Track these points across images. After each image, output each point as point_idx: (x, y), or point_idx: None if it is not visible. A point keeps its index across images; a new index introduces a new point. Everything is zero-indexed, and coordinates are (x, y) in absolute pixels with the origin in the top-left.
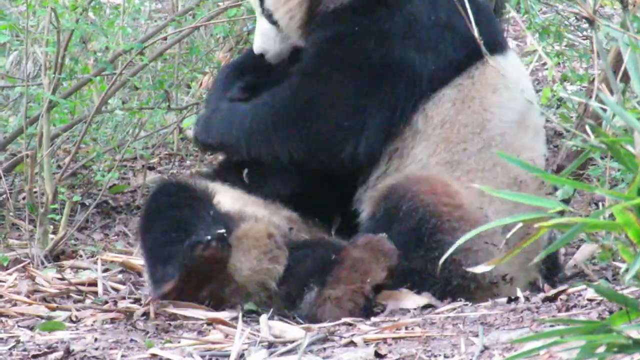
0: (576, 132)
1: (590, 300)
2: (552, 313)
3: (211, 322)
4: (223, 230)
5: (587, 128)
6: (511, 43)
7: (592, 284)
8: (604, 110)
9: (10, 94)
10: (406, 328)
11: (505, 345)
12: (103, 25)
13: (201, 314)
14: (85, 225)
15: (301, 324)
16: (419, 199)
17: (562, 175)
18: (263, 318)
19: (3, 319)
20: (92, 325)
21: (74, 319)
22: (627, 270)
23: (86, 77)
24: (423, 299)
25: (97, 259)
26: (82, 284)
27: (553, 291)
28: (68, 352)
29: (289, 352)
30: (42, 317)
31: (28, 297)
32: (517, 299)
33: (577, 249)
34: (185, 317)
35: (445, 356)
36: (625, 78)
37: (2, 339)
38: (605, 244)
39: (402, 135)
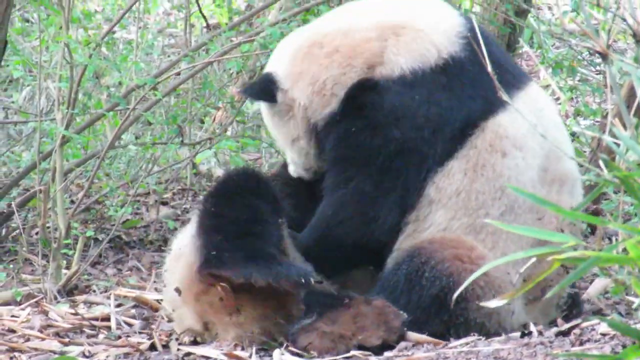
0: (590, 166)
1: (604, 334)
2: (566, 347)
3: (227, 355)
4: (319, 279)
5: (601, 162)
6: None
7: (606, 318)
8: (617, 144)
9: (23, 129)
10: None
11: None
12: (116, 61)
13: (215, 352)
14: (99, 260)
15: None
16: (442, 267)
17: (576, 209)
18: (276, 352)
19: (16, 354)
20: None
21: (87, 354)
22: None
23: (99, 112)
24: None
25: (110, 294)
26: (96, 319)
27: (566, 325)
28: None
29: None
30: (55, 352)
31: (41, 332)
32: (530, 333)
33: (591, 283)
34: (203, 356)
35: None
36: (639, 112)
37: None
38: (619, 278)
39: (419, 205)
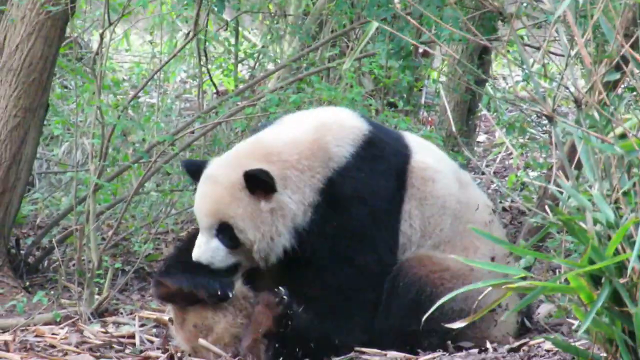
0: (537, 211)
1: (548, 350)
2: None
3: None
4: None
5: (547, 208)
6: (482, 136)
7: (550, 337)
8: (561, 192)
9: (62, 178)
10: None
11: None
12: (140, 121)
13: None
14: (125, 287)
15: None
16: (412, 274)
17: (526, 247)
18: None
19: None
20: None
21: None
22: (579, 326)
23: (126, 164)
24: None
25: (135, 316)
26: (123, 337)
27: (517, 343)
28: None
29: None
30: None
31: (77, 347)
32: (486, 349)
33: (537, 307)
34: None
35: None
36: (579, 166)
37: None
38: (561, 305)
39: (401, 249)
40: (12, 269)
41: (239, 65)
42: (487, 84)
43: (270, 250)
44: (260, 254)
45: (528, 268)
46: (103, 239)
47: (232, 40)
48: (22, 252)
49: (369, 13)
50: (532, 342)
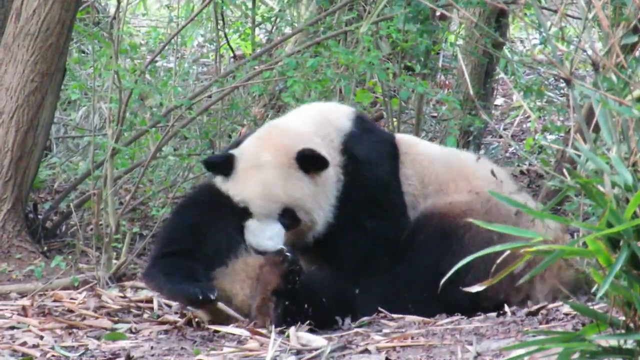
0: (555, 174)
1: (566, 314)
2: (534, 325)
3: (250, 331)
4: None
5: (565, 171)
6: (500, 100)
7: (568, 301)
8: (579, 156)
9: (80, 142)
10: (412, 338)
11: (495, 353)
12: (158, 85)
13: (240, 330)
14: (143, 252)
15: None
16: (437, 221)
17: (544, 210)
18: (292, 330)
19: (74, 330)
20: (149, 335)
21: (133, 330)
22: (597, 289)
23: (143, 129)
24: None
25: None
26: (141, 301)
27: (535, 307)
28: (129, 358)
29: (313, 358)
30: (106, 329)
31: (95, 312)
32: (505, 313)
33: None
34: (230, 333)
35: None
36: (596, 129)
37: (73, 347)
38: (580, 268)
39: (410, 207)
40: (30, 233)
41: (256, 29)
42: (504, 47)
43: (322, 227)
44: (316, 231)
45: None
46: (121, 203)
47: (249, 4)
48: (39, 216)
49: None
50: (550, 306)
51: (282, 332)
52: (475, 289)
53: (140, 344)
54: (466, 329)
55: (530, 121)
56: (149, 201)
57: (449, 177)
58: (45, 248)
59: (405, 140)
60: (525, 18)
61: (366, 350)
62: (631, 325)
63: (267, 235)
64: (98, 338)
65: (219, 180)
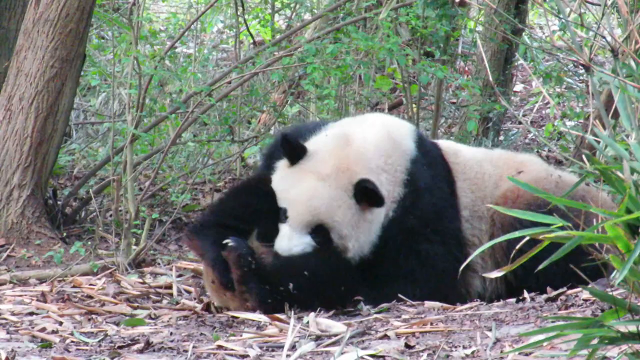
0: (574, 160)
1: (586, 300)
2: (554, 311)
3: (269, 317)
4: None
5: (584, 157)
6: (519, 86)
7: (587, 287)
8: (598, 142)
9: (99, 128)
10: (431, 324)
11: (514, 338)
12: (177, 71)
13: (259, 316)
14: (162, 238)
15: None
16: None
17: (563, 196)
18: (311, 316)
19: (93, 316)
20: (168, 321)
21: (152, 316)
22: (616, 275)
23: (163, 115)
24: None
25: (172, 266)
26: (160, 287)
27: (554, 293)
28: (148, 344)
29: (333, 344)
30: (126, 315)
31: (114, 298)
32: (524, 299)
33: None
34: (249, 319)
35: (463, 347)
36: (616, 115)
37: (92, 332)
38: (599, 254)
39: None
40: (50, 219)
41: (276, 15)
42: (523, 33)
43: (355, 257)
44: (350, 256)
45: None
46: (140, 189)
47: None
48: (59, 202)
49: None
50: (569, 292)
51: (301, 318)
52: (495, 274)
53: (160, 329)
54: (485, 314)
55: (549, 107)
56: (168, 187)
57: (499, 173)
58: (65, 234)
59: (450, 149)
60: (544, 4)
61: (385, 336)
62: None
63: (294, 243)
64: (117, 324)
65: (274, 173)
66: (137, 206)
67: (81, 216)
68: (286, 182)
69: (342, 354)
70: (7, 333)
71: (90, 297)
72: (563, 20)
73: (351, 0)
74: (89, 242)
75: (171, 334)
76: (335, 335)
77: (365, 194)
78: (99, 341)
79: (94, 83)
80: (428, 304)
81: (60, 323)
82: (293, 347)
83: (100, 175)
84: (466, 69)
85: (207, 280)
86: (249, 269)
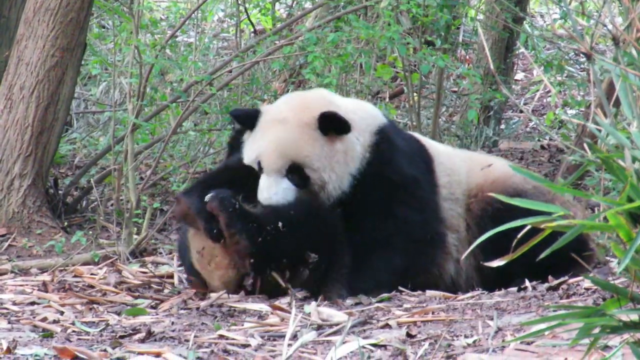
0: (575, 149)
1: (587, 289)
2: (555, 300)
3: (271, 306)
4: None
5: (585, 145)
6: (520, 74)
7: (589, 276)
8: (599, 130)
9: (100, 117)
10: (433, 313)
11: (515, 327)
12: (178, 60)
13: (260, 306)
14: (164, 227)
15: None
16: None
17: (564, 185)
18: (313, 305)
19: (95, 305)
20: (169, 310)
21: (154, 305)
22: (618, 264)
23: (164, 104)
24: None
25: (173, 256)
26: (161, 277)
27: (556, 282)
28: (149, 333)
29: (334, 333)
30: (127, 304)
31: (116, 287)
32: (525, 288)
33: None
34: (250, 309)
35: (465, 336)
36: (617, 104)
37: (94, 322)
38: (600, 242)
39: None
40: (51, 209)
41: (277, 3)
42: (524, 21)
43: (335, 192)
44: (327, 196)
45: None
46: (141, 178)
47: None
48: (60, 192)
49: None
50: (571, 281)
51: (302, 307)
52: (496, 263)
53: (161, 319)
54: (487, 303)
55: (550, 96)
56: (169, 176)
57: (469, 165)
58: (66, 223)
59: (421, 138)
60: None
61: (387, 325)
62: None
63: (273, 190)
64: (119, 313)
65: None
66: (138, 195)
67: (82, 205)
68: (253, 140)
69: (343, 343)
70: (9, 323)
71: (92, 286)
72: (564, 9)
73: None
74: (90, 232)
75: (172, 323)
76: (337, 324)
77: (329, 123)
78: (101, 331)
79: (95, 72)
80: (429, 292)
81: (62, 313)
82: (294, 337)
83: (101, 165)
84: (467, 57)
85: (193, 251)
86: (233, 209)
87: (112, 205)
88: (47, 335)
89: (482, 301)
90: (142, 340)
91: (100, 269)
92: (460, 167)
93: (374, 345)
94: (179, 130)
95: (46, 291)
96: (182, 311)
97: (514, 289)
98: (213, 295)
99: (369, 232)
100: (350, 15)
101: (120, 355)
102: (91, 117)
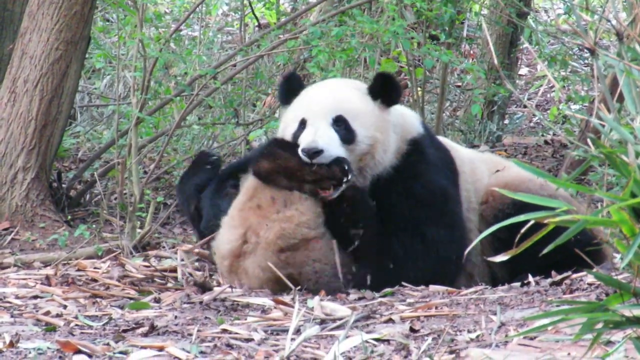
0: (579, 144)
1: (590, 284)
2: (558, 295)
3: (274, 301)
4: None
5: (589, 141)
6: (524, 69)
7: (592, 271)
8: (603, 125)
9: (104, 111)
10: (436, 307)
11: (519, 322)
12: (182, 54)
13: (263, 300)
14: (167, 221)
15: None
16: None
17: (568, 180)
18: (316, 299)
19: (98, 299)
20: (172, 304)
21: (157, 299)
22: (621, 259)
23: (168, 97)
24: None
25: (177, 250)
26: (165, 271)
27: (559, 277)
28: (152, 327)
29: (337, 327)
30: (130, 298)
31: (119, 281)
32: (528, 283)
33: None
34: (254, 303)
35: (468, 331)
36: (620, 99)
37: (97, 316)
38: (603, 238)
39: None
40: (54, 202)
41: None
42: (528, 16)
43: (373, 164)
44: (367, 162)
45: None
46: (145, 172)
47: None
48: (63, 185)
49: None
50: (574, 276)
51: (305, 302)
52: (499, 258)
53: (164, 313)
54: (490, 298)
55: (554, 91)
56: (173, 170)
57: (490, 168)
58: (69, 217)
59: (448, 144)
60: None
61: (390, 320)
62: None
63: (319, 134)
64: (122, 307)
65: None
66: (141, 189)
67: (86, 199)
68: (293, 107)
69: (346, 337)
70: (11, 316)
71: (95, 280)
72: (568, 4)
73: None
74: (94, 225)
75: (176, 317)
76: (340, 319)
77: (383, 88)
78: (104, 325)
79: (99, 65)
80: (433, 287)
81: (65, 306)
82: (297, 331)
83: (105, 158)
84: (471, 52)
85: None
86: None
87: (115, 199)
88: (50, 329)
89: (485, 296)
90: (145, 334)
91: (104, 262)
92: (483, 173)
93: (377, 339)
94: (183, 124)
95: (49, 285)
96: (185, 305)
97: (517, 284)
98: (216, 289)
99: (397, 248)
100: (355, 9)
101: (123, 349)
102: (95, 110)
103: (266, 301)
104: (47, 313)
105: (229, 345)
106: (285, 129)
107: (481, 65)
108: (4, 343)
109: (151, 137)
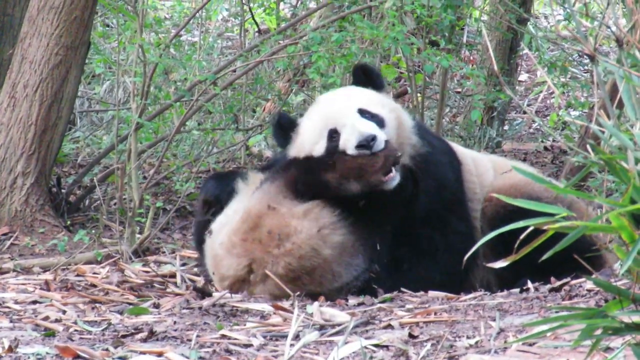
0: (578, 150)
1: (589, 290)
2: (557, 301)
3: (273, 307)
4: None
5: (588, 147)
6: (524, 75)
7: (591, 277)
8: (602, 132)
9: (104, 116)
10: (435, 313)
11: (518, 328)
12: (182, 59)
13: (263, 306)
14: (167, 226)
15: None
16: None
17: (567, 186)
18: (315, 305)
19: (97, 305)
20: (171, 310)
21: (156, 305)
22: (620, 265)
23: (168, 103)
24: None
25: (176, 255)
26: (164, 276)
27: (558, 283)
28: (151, 332)
29: (337, 333)
30: (130, 304)
31: (118, 286)
32: (527, 289)
33: None
34: (252, 308)
35: (467, 337)
36: (620, 105)
37: (96, 321)
38: (603, 244)
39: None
40: (54, 207)
41: (281, 3)
42: (528, 22)
43: (403, 140)
44: (401, 142)
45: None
46: (144, 177)
47: None
48: (63, 190)
49: None
50: (573, 282)
51: (304, 308)
52: (499, 264)
53: (163, 318)
54: (489, 304)
55: (554, 97)
56: (172, 175)
57: (495, 167)
58: (69, 222)
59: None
60: None
61: (389, 326)
62: None
63: (360, 125)
64: (121, 313)
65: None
66: (141, 194)
67: (85, 204)
68: (304, 127)
69: (345, 343)
70: (11, 321)
71: (94, 285)
72: (568, 10)
73: None
74: (93, 231)
75: (175, 323)
76: (339, 324)
77: (366, 76)
78: (103, 330)
79: (99, 71)
80: (432, 293)
81: (64, 312)
82: (297, 337)
83: (104, 164)
84: (471, 58)
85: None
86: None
87: (115, 204)
88: (49, 334)
89: (484, 302)
90: (144, 340)
91: (103, 268)
92: (487, 167)
93: (376, 345)
94: (183, 130)
95: (48, 290)
96: (184, 311)
97: (516, 290)
98: (216, 294)
99: (417, 241)
100: (355, 15)
101: (122, 355)
102: (95, 115)
103: (265, 307)
104: (46, 318)
105: (228, 351)
106: (311, 153)
107: (481, 71)
108: (3, 348)
109: (151, 143)
